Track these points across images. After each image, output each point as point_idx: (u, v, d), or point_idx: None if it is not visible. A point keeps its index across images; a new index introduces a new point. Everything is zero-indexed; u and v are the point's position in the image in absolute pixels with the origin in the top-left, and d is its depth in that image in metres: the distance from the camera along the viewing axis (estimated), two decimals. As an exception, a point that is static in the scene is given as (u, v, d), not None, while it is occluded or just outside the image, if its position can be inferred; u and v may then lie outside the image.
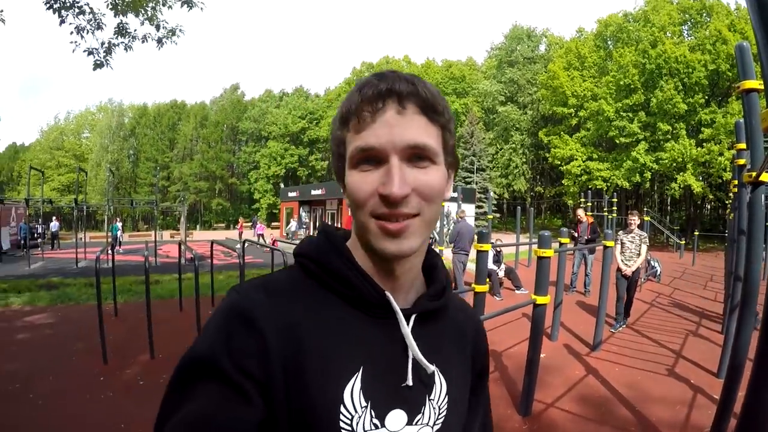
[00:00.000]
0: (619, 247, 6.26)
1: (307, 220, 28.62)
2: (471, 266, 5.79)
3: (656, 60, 27.70)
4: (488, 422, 0.80)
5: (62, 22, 5.25)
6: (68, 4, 5.03)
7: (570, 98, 32.03)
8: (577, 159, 30.83)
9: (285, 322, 0.55)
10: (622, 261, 6.22)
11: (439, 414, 0.64)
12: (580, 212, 8.84)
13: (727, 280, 6.57)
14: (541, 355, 4.10)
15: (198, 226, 48.80)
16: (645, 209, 22.62)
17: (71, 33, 5.19)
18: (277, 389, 0.53)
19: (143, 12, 5.42)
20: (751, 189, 2.49)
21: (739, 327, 2.67)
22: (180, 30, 6.27)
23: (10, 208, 19.91)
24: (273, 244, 13.70)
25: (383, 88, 0.55)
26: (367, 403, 0.57)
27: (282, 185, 40.26)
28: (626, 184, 28.19)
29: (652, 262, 11.92)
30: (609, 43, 33.62)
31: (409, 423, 0.60)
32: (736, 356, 2.65)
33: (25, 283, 9.36)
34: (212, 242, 8.52)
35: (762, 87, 2.56)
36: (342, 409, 0.55)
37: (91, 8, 5.13)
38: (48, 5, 4.98)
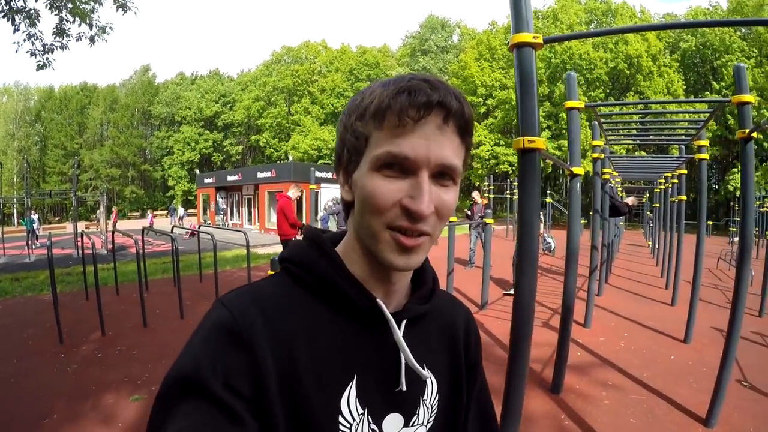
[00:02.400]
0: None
1: (225, 206, 28.57)
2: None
3: (561, 55, 30.29)
4: (488, 408, 0.80)
5: (16, 30, 5.42)
6: (18, 9, 5.19)
7: (479, 87, 34.25)
8: (485, 144, 33.24)
9: (277, 336, 0.54)
10: None
11: (432, 412, 0.66)
12: (475, 194, 9.89)
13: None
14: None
15: (113, 214, 46.46)
16: (549, 192, 25.10)
17: (18, 37, 5.41)
18: (273, 406, 0.52)
19: (79, 12, 5.67)
20: (570, 179, 3.59)
21: (566, 278, 3.76)
22: (110, 27, 6.51)
23: None
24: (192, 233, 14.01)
25: (435, 99, 0.53)
26: (364, 410, 0.58)
27: (197, 171, 39.44)
28: (548, 167, 30.77)
29: (547, 238, 13.63)
30: (521, 37, 36.06)
31: (406, 425, 0.62)
32: (566, 299, 3.75)
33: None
34: (143, 229, 8.96)
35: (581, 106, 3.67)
36: (341, 419, 0.56)
37: (37, 12, 5.33)
38: (3, 15, 5.13)
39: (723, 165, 33.88)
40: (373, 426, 0.59)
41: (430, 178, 0.55)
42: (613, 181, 8.94)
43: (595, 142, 5.62)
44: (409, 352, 0.60)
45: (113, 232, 8.91)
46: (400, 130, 0.54)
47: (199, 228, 7.37)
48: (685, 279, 6.56)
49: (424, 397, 0.65)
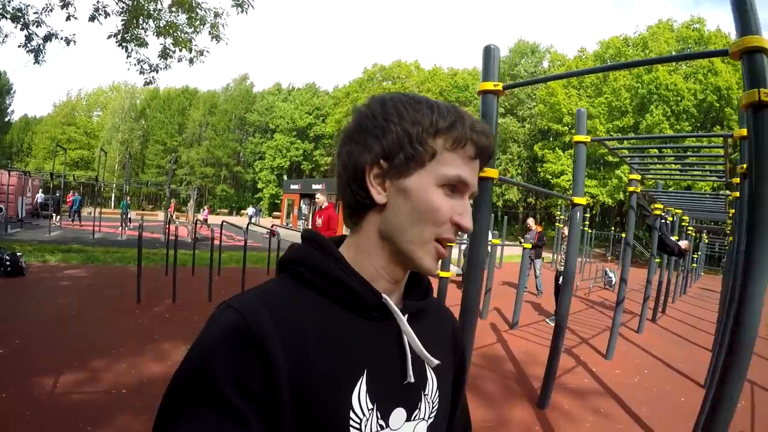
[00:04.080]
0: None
1: (307, 212, 30.10)
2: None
3: (648, 86, 28.98)
4: (466, 417, 0.84)
5: (128, 56, 6.71)
6: (130, 39, 6.40)
7: (565, 116, 33.35)
8: (567, 174, 32.22)
9: (287, 335, 0.55)
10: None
11: (432, 407, 0.67)
12: (530, 221, 10.04)
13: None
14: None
15: (202, 210, 50.52)
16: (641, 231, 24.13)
17: (128, 60, 6.71)
18: (284, 406, 0.53)
19: (180, 42, 6.77)
20: (572, 208, 3.91)
21: (561, 300, 4.03)
22: (207, 51, 7.54)
23: (27, 179, 21.25)
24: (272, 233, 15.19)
25: (485, 145, 0.63)
26: (374, 405, 0.59)
27: (285, 177, 41.70)
28: (610, 201, 29.54)
29: (608, 273, 13.30)
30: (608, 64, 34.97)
31: (408, 419, 0.64)
32: (558, 320, 4.03)
33: (49, 247, 10.63)
34: (222, 222, 10.02)
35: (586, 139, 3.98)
36: (352, 414, 0.57)
37: (146, 41, 6.52)
38: (118, 44, 6.40)
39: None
40: (381, 421, 0.60)
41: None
42: (670, 218, 8.76)
43: (632, 176, 5.77)
44: (417, 340, 0.62)
45: (195, 223, 10.02)
46: (460, 158, 0.61)
47: (271, 228, 8.18)
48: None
49: (426, 392, 0.66)
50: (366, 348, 0.61)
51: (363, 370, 0.59)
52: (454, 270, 10.74)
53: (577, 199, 3.81)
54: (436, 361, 0.64)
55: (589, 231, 18.50)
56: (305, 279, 0.62)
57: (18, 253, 7.35)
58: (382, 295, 0.62)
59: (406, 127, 0.60)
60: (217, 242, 7.86)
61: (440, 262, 0.66)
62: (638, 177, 5.90)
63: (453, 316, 0.83)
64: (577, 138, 3.89)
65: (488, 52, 2.63)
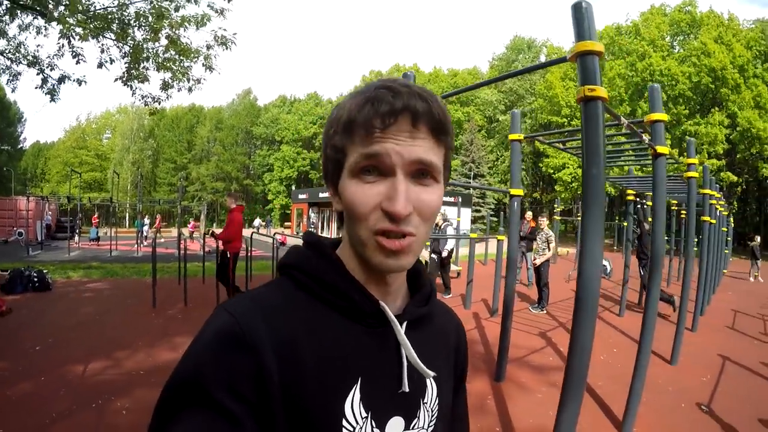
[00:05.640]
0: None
1: (316, 221, 30.79)
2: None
3: (642, 73, 29.22)
4: (466, 422, 0.82)
5: (133, 93, 7.51)
6: (135, 76, 7.18)
7: (564, 108, 33.70)
8: (568, 167, 32.48)
9: (281, 340, 0.55)
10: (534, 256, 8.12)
11: (432, 416, 0.66)
12: (528, 215, 10.40)
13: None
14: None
15: (214, 224, 51.49)
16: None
17: (133, 96, 7.56)
18: (276, 411, 0.53)
19: (179, 75, 7.56)
20: (510, 198, 4.51)
21: (506, 281, 4.56)
22: (204, 79, 8.17)
23: (45, 203, 22.28)
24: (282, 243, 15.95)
25: (398, 105, 0.54)
26: (368, 414, 0.58)
27: (294, 187, 42.36)
28: (613, 191, 29.75)
29: (603, 262, 13.69)
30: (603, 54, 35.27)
31: (407, 428, 0.62)
32: (505, 299, 4.54)
33: (69, 265, 11.48)
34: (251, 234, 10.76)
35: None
36: (344, 422, 0.56)
37: (147, 77, 7.30)
38: (124, 84, 7.19)
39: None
40: (376, 430, 0.59)
41: (408, 177, 0.56)
42: (648, 203, 9.07)
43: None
44: (412, 350, 0.61)
45: (206, 235, 10.70)
46: (371, 139, 0.55)
47: (274, 236, 8.83)
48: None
49: (425, 400, 0.65)
50: (361, 355, 0.60)
51: (357, 378, 0.58)
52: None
53: (514, 191, 4.43)
54: (432, 373, 0.62)
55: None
56: (301, 283, 0.61)
57: (44, 271, 8.14)
58: (380, 302, 0.61)
59: (324, 135, 0.62)
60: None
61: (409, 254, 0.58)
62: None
63: (459, 322, 0.80)
64: (512, 136, 4.48)
65: (579, 10, 2.33)
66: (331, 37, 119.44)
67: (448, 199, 21.03)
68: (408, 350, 0.61)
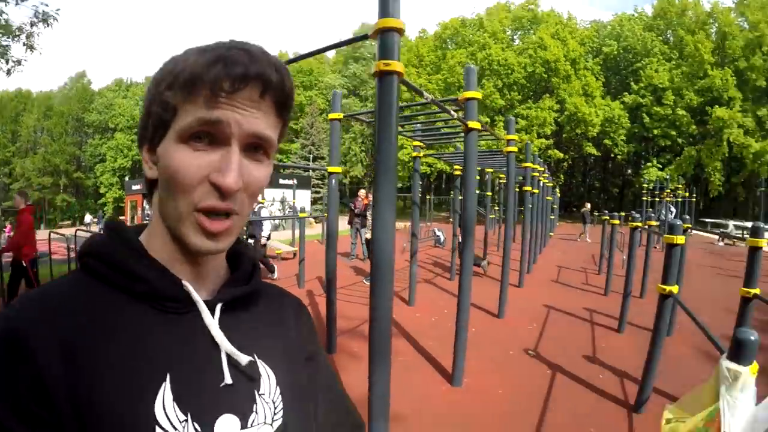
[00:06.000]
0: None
1: (151, 214, 28.26)
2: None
3: (481, 62, 32.14)
4: (344, 400, 0.75)
5: None
6: None
7: (404, 92, 35.51)
8: (406, 148, 34.59)
9: (66, 342, 0.46)
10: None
11: (276, 408, 0.57)
12: (361, 192, 10.71)
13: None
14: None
15: (42, 225, 44.62)
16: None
17: None
18: (69, 422, 0.44)
19: None
20: (329, 176, 4.62)
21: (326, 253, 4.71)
22: (25, 60, 7.23)
23: None
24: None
25: (253, 71, 0.49)
26: (187, 416, 0.49)
27: (128, 178, 38.65)
28: (447, 168, 32.31)
29: (436, 232, 14.69)
30: (448, 44, 37.85)
31: (244, 426, 0.53)
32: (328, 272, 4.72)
33: None
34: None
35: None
36: (158, 429, 0.47)
37: None
38: None
39: (636, 159, 36.86)
40: None
41: (241, 151, 0.51)
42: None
43: (414, 143, 6.80)
44: (222, 335, 0.54)
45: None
46: (214, 101, 0.49)
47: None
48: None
49: (261, 392, 0.56)
50: (167, 348, 0.51)
51: (165, 374, 0.50)
52: (284, 248, 11.25)
53: (332, 168, 4.51)
54: (247, 358, 0.55)
55: (429, 197, 20.82)
56: (98, 273, 0.53)
57: None
58: (183, 282, 0.54)
59: (151, 90, 0.54)
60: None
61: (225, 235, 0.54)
62: (421, 144, 6.86)
63: (297, 300, 0.74)
64: (331, 116, 4.53)
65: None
66: (172, 15, 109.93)
67: (286, 181, 21.09)
68: (216, 334, 0.54)
